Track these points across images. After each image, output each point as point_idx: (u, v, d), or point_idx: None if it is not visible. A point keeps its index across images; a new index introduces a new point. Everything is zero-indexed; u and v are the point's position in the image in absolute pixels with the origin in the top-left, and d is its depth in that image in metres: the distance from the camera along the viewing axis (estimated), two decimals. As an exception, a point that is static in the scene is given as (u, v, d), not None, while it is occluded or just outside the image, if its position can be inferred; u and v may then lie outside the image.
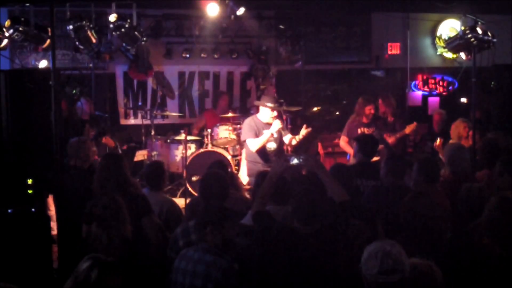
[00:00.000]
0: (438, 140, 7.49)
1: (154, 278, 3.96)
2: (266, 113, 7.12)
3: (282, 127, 7.12)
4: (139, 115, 9.81)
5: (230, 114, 9.09)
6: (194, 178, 7.99)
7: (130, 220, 4.19)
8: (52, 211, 5.83)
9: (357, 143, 5.92)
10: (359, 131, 7.88)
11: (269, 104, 7.10)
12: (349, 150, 7.92)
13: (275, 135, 7.09)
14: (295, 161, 4.02)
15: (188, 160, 8.31)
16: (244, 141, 7.24)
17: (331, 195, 3.85)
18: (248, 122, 7.21)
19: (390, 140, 7.72)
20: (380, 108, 8.47)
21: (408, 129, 7.89)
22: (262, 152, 7.03)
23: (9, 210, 5.10)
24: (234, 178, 5.87)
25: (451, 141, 7.38)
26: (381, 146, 7.44)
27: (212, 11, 8.02)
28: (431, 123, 8.99)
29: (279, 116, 7.27)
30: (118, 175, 4.88)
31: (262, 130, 7.04)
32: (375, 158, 7.07)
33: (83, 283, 3.09)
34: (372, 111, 7.94)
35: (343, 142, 8.01)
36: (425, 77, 11.03)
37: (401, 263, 2.86)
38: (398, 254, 2.88)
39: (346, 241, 3.62)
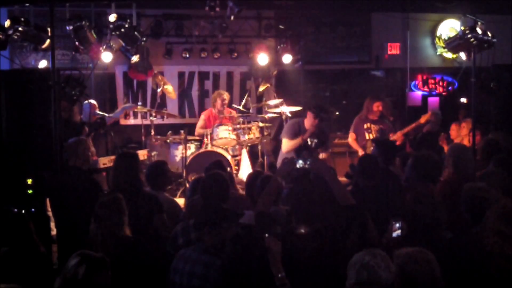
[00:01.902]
0: (442, 135, 7.51)
1: (151, 276, 3.96)
2: (309, 119, 7.38)
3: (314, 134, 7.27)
4: (139, 115, 9.81)
5: (230, 114, 9.09)
6: (193, 177, 7.97)
7: (141, 219, 4.19)
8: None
9: (377, 148, 5.88)
10: (364, 126, 7.94)
11: (314, 110, 7.39)
12: (357, 147, 7.97)
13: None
14: (301, 163, 4.03)
15: (188, 160, 8.30)
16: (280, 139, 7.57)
17: (337, 198, 3.86)
18: (292, 123, 7.57)
19: (406, 129, 7.83)
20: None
21: (423, 119, 7.98)
22: None
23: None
24: (232, 178, 5.88)
25: (455, 141, 7.41)
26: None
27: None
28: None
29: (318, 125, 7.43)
30: (130, 174, 4.88)
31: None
32: None
33: (72, 280, 3.08)
34: (380, 108, 8.02)
35: (350, 139, 8.08)
36: (425, 77, 11.02)
37: (376, 276, 2.87)
38: (375, 266, 2.88)
39: (346, 242, 3.62)
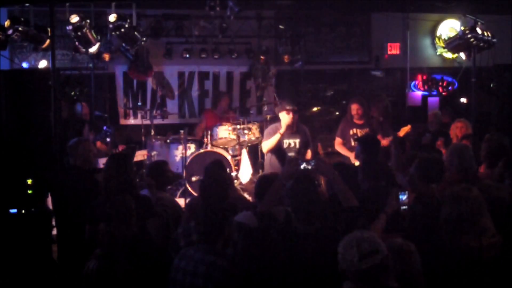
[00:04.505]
0: (439, 140, 7.45)
1: (156, 278, 3.97)
2: (284, 117, 7.03)
3: (293, 130, 7.07)
4: (139, 115, 9.81)
5: (229, 114, 9.10)
6: (193, 178, 7.98)
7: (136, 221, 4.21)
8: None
9: (359, 144, 5.87)
10: (350, 132, 7.81)
11: (287, 107, 6.99)
12: (344, 152, 7.85)
13: (291, 143, 7.08)
14: (304, 165, 4.05)
15: (188, 160, 8.30)
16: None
17: (340, 199, 3.87)
18: (269, 128, 7.21)
19: (383, 142, 7.59)
20: (372, 110, 8.39)
21: (402, 132, 7.74)
22: (281, 159, 6.97)
23: (12, 211, 5.11)
24: (231, 179, 5.88)
25: (454, 141, 7.36)
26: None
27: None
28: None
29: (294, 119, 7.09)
30: (121, 175, 4.89)
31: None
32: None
33: (85, 275, 3.13)
34: (360, 112, 7.75)
35: (337, 143, 7.94)
36: (425, 77, 11.01)
37: (377, 244, 2.88)
38: (371, 237, 2.90)
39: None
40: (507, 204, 4.27)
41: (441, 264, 3.45)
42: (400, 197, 3.93)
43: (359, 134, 7.71)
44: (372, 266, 2.82)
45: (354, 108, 7.78)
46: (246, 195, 7.12)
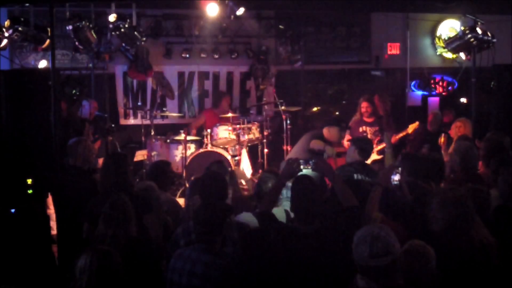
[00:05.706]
0: (442, 137, 7.44)
1: (155, 275, 3.97)
2: (335, 133, 7.20)
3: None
4: (139, 115, 9.81)
5: (230, 115, 9.08)
6: (193, 178, 7.97)
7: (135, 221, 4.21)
8: (51, 209, 5.83)
9: (353, 145, 5.89)
10: (360, 129, 7.87)
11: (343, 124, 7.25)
12: None
13: None
14: (305, 165, 4.06)
15: (188, 160, 8.31)
16: None
17: (340, 199, 3.87)
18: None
19: (392, 139, 7.69)
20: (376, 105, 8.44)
21: (410, 128, 7.82)
22: None
23: (12, 210, 5.11)
24: (234, 177, 5.87)
25: (455, 140, 7.36)
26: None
27: (212, 11, 7.97)
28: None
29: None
30: (118, 174, 4.89)
31: None
32: (378, 158, 7.10)
33: (82, 273, 3.13)
34: (369, 110, 7.90)
35: (346, 140, 7.98)
36: (425, 77, 11.00)
37: (390, 246, 2.88)
38: (387, 237, 2.90)
39: (347, 241, 3.62)
40: (494, 206, 4.26)
41: (442, 264, 3.45)
42: (392, 176, 4.00)
43: (368, 132, 7.83)
44: (381, 265, 2.84)
45: (364, 106, 7.91)
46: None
